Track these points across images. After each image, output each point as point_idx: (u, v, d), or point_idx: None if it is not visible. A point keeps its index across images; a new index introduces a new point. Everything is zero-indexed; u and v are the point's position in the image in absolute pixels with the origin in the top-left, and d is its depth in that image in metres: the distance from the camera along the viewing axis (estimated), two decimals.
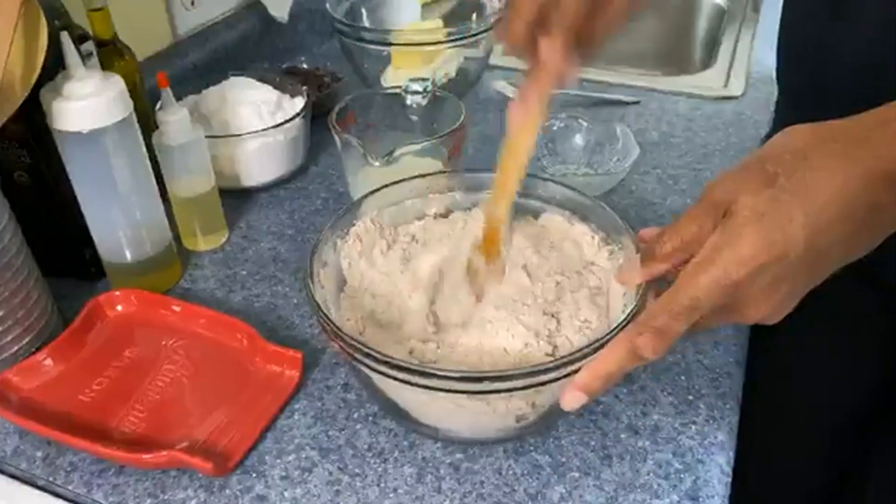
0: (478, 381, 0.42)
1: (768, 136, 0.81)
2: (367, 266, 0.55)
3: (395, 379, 0.43)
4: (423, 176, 0.59)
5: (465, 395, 0.43)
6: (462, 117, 0.68)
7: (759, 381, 0.66)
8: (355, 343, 0.43)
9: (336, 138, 0.67)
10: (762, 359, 0.68)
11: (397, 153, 0.63)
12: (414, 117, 0.73)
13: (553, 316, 0.49)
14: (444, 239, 0.57)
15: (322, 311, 0.45)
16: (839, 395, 0.78)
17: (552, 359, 0.43)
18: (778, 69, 0.73)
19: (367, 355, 0.43)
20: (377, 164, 0.62)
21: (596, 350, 0.42)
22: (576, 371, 0.42)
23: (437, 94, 0.72)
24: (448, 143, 0.66)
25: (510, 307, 0.50)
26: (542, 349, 0.47)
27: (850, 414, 0.79)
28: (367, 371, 0.45)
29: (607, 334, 0.43)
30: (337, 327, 0.44)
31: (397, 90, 0.73)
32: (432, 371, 0.42)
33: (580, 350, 0.42)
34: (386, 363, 0.42)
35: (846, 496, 0.82)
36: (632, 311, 0.45)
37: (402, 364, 0.42)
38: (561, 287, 0.52)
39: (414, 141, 0.65)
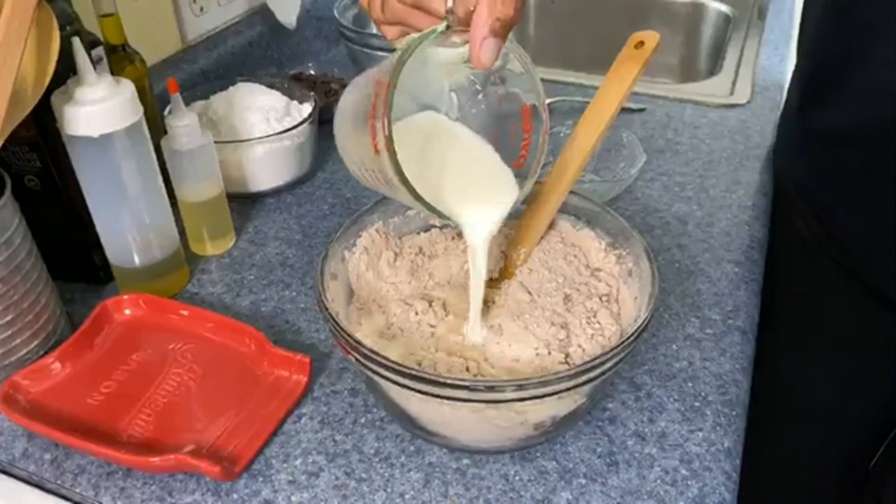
0: (501, 391, 0.42)
1: (775, 145, 0.82)
2: (375, 278, 0.55)
3: (417, 391, 0.43)
4: None
5: (491, 406, 0.43)
6: None
7: (764, 391, 0.66)
8: (374, 356, 0.43)
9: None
10: (767, 371, 0.68)
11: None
12: None
13: (562, 327, 0.49)
14: (451, 251, 0.57)
15: (337, 324, 0.45)
16: (846, 406, 0.78)
17: (577, 365, 0.42)
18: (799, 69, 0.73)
19: (387, 367, 0.43)
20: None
21: (616, 354, 0.43)
22: (595, 378, 0.43)
23: None
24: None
25: (517, 319, 0.50)
26: (554, 358, 0.48)
27: (859, 423, 0.79)
28: (383, 383, 0.45)
29: (623, 340, 0.43)
30: (357, 341, 0.44)
31: None
32: (455, 382, 0.42)
33: (604, 354, 0.42)
34: (410, 376, 0.42)
35: (849, 490, 0.82)
36: (647, 315, 0.45)
37: (424, 376, 0.42)
38: (569, 298, 0.52)
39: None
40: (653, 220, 0.73)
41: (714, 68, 1.09)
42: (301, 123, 0.76)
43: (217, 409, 0.52)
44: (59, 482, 0.49)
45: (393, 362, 0.42)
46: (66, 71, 0.54)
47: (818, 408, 0.78)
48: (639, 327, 0.44)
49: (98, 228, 0.61)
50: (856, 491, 0.84)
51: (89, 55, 0.54)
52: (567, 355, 0.48)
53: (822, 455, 0.82)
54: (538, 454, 0.50)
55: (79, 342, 0.57)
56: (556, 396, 0.43)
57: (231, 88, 0.81)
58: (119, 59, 0.67)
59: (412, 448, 0.51)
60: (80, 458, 0.51)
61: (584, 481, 0.48)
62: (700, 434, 0.51)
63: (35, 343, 0.55)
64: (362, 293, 0.54)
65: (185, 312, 0.60)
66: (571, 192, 0.55)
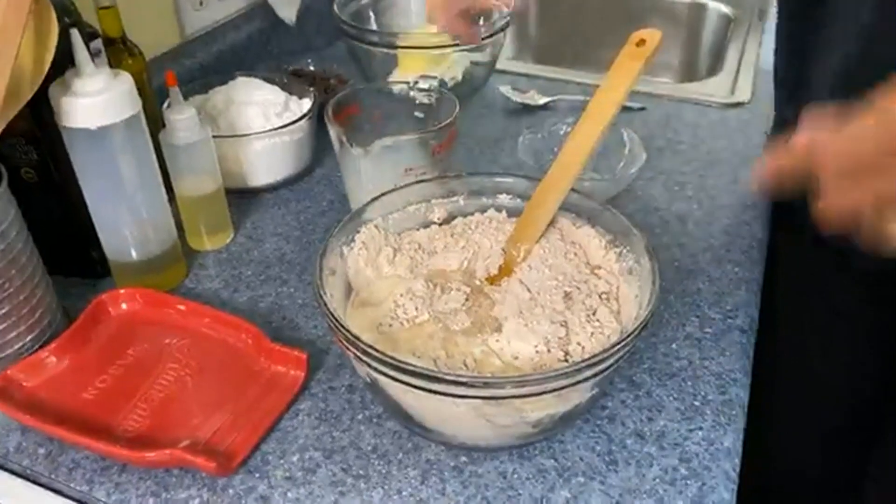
0: (499, 387, 0.42)
1: (771, 133, 0.81)
2: (374, 274, 0.55)
3: (415, 387, 0.43)
4: (425, 181, 0.59)
5: (489, 402, 0.43)
6: (453, 115, 0.66)
7: (763, 390, 0.66)
8: (372, 352, 0.43)
9: (331, 131, 0.66)
10: (767, 370, 0.68)
11: (377, 144, 0.62)
12: (419, 114, 0.72)
13: (562, 325, 0.49)
14: (451, 248, 0.57)
15: (336, 320, 0.45)
16: (838, 394, 0.78)
17: (576, 363, 0.42)
18: (775, 66, 0.74)
19: (385, 363, 0.43)
20: (356, 153, 0.62)
21: (615, 352, 0.42)
22: (594, 376, 0.42)
23: (442, 92, 0.71)
24: (437, 139, 0.65)
25: (517, 316, 0.50)
26: (553, 356, 0.47)
27: (850, 413, 0.79)
28: (381, 378, 0.44)
29: (623, 338, 0.43)
30: (355, 337, 0.43)
31: (405, 84, 0.72)
32: (453, 377, 0.41)
33: (604, 351, 0.42)
34: (408, 372, 0.42)
35: (845, 493, 0.82)
36: (648, 312, 0.45)
37: (423, 371, 0.42)
38: (569, 296, 0.52)
39: (394, 134, 0.63)
40: (653, 218, 0.73)
41: (715, 68, 1.09)
42: (300, 119, 0.76)
43: (213, 404, 0.52)
44: (53, 476, 0.49)
45: (391, 358, 0.42)
46: (64, 63, 0.53)
47: (818, 407, 0.78)
48: (639, 325, 0.44)
49: (95, 222, 0.60)
50: (843, 478, 0.84)
51: (87, 47, 0.54)
52: (567, 353, 0.48)
53: (822, 452, 0.82)
54: (537, 452, 0.50)
55: (75, 336, 0.56)
56: (554, 394, 0.43)
57: (230, 83, 0.80)
58: (117, 52, 0.67)
59: (410, 445, 0.50)
60: (74, 453, 0.50)
61: (582, 480, 0.48)
62: (700, 433, 0.51)
63: (30, 337, 0.55)
64: (361, 289, 0.54)
65: (181, 307, 0.59)
66: (572, 190, 0.55)
